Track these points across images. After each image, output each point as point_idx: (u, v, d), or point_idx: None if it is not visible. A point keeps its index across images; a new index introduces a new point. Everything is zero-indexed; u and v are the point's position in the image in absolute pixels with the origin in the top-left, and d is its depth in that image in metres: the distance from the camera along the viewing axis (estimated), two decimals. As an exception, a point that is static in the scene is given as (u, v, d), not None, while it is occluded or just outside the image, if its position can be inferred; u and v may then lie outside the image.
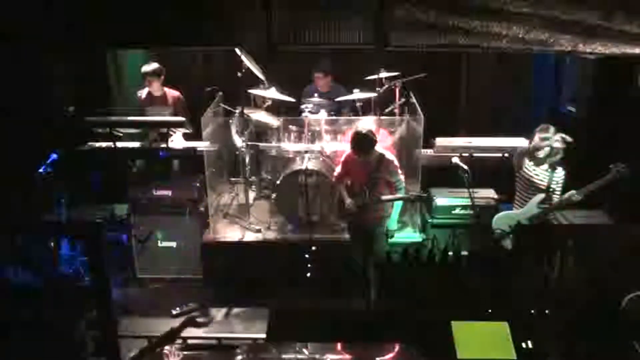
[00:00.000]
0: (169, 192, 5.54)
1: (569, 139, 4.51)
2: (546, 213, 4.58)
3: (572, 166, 5.23)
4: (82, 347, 2.95)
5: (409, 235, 5.65)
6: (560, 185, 4.56)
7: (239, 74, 5.54)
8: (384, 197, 4.64)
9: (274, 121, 5.93)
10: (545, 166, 4.56)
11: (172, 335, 3.79)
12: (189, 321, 4.54)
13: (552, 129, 4.54)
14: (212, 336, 4.06)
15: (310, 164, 5.42)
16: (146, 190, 5.53)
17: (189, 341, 3.91)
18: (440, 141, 5.59)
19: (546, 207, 4.55)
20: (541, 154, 4.51)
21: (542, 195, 4.55)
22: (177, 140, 5.58)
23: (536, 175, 4.59)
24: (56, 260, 4.95)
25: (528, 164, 4.63)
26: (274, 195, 5.61)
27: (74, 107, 5.80)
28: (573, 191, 4.47)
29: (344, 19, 3.38)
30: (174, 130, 5.52)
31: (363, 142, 4.53)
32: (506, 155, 5.31)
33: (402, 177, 4.78)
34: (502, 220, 4.77)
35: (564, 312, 3.15)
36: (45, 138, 5.35)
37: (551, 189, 4.54)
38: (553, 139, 4.49)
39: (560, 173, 4.56)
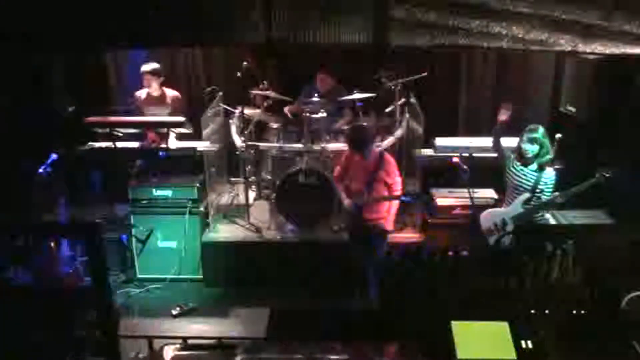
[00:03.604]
0: (169, 192, 5.55)
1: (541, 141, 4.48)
2: (531, 213, 4.58)
3: (571, 166, 5.24)
4: (82, 347, 2.95)
5: (409, 235, 5.65)
6: (549, 186, 4.54)
7: (239, 74, 5.55)
8: (381, 196, 4.64)
9: (274, 121, 5.94)
10: (534, 166, 4.55)
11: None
12: None
13: (541, 129, 4.53)
14: (212, 336, 4.05)
15: (310, 164, 5.42)
16: (146, 190, 5.54)
17: (189, 341, 3.91)
18: (440, 141, 5.59)
19: (530, 207, 4.55)
20: (528, 154, 4.51)
21: (527, 195, 4.55)
22: (170, 141, 5.58)
23: (523, 175, 4.58)
24: (56, 260, 4.95)
25: (516, 164, 4.63)
26: (273, 195, 5.61)
27: (74, 107, 5.80)
28: (557, 193, 4.48)
29: (344, 19, 3.38)
30: (173, 130, 5.53)
31: (359, 137, 4.54)
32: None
33: (399, 178, 4.79)
34: (488, 217, 4.77)
35: (564, 312, 3.15)
36: (45, 138, 5.35)
37: (538, 190, 4.53)
38: (532, 140, 4.48)
39: (549, 174, 4.54)
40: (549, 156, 4.56)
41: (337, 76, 6.23)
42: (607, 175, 4.30)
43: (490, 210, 4.79)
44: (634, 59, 3.41)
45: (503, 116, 4.76)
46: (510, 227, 4.61)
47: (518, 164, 4.61)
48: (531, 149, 4.47)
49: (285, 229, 5.68)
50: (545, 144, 4.52)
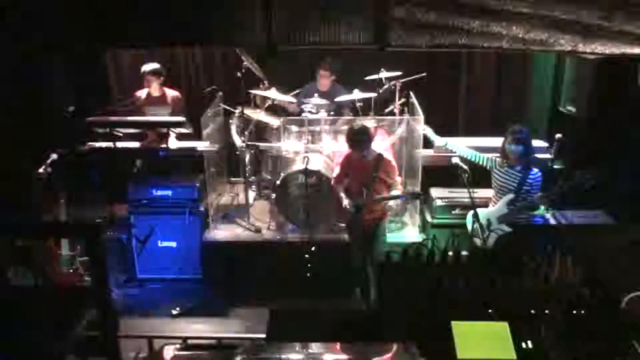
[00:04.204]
0: (169, 192, 5.55)
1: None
2: (515, 213, 4.57)
3: (571, 166, 5.24)
4: (82, 347, 2.95)
5: (409, 235, 5.65)
6: (535, 186, 4.53)
7: (239, 74, 5.55)
8: (379, 196, 4.63)
9: (274, 121, 5.94)
10: (519, 167, 4.55)
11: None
12: None
13: (525, 129, 4.53)
14: (212, 336, 4.06)
15: (310, 164, 5.42)
16: (146, 190, 5.54)
17: (189, 341, 3.91)
18: (441, 141, 5.59)
19: (514, 207, 4.55)
20: (513, 155, 4.50)
21: (511, 196, 4.55)
22: (170, 141, 5.59)
23: (508, 176, 4.58)
24: (56, 260, 4.96)
25: (500, 165, 4.63)
26: (274, 195, 5.61)
27: (74, 107, 5.81)
28: (539, 194, 4.49)
29: (344, 19, 3.38)
30: (173, 130, 5.53)
31: (358, 137, 4.54)
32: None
33: (399, 178, 4.78)
34: (475, 217, 4.76)
35: (564, 312, 3.15)
36: (45, 138, 5.35)
37: (523, 190, 4.52)
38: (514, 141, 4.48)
39: (534, 174, 4.53)
40: (533, 155, 4.58)
41: (336, 74, 6.24)
42: (588, 176, 4.31)
43: (478, 210, 4.79)
44: (634, 59, 3.42)
45: None
46: (495, 227, 4.62)
47: (503, 164, 4.62)
48: (516, 150, 4.47)
49: (285, 229, 5.68)
50: (530, 144, 4.53)
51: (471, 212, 4.74)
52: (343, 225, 5.35)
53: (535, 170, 4.54)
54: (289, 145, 5.76)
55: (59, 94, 6.08)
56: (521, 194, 4.52)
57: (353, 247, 5.00)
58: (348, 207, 4.69)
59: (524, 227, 4.53)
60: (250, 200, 5.94)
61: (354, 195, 4.70)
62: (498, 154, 4.71)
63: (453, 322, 2.99)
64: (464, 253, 3.60)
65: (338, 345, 3.17)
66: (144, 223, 5.48)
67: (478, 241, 4.67)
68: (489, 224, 4.65)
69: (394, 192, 4.67)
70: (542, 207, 5.11)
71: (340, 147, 5.58)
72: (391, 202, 4.81)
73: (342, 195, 4.77)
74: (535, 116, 6.55)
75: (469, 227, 4.78)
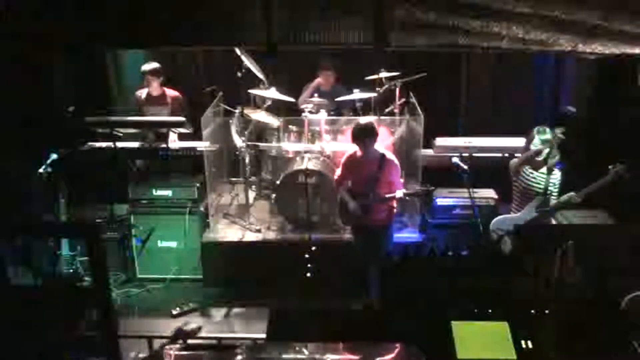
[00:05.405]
0: (169, 192, 5.55)
1: (560, 135, 4.48)
2: (545, 216, 4.55)
3: (572, 166, 5.24)
4: (82, 347, 2.95)
5: (409, 235, 5.65)
6: (557, 187, 4.53)
7: (239, 74, 5.55)
8: (390, 196, 4.59)
9: (274, 121, 5.94)
10: (544, 169, 4.53)
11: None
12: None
13: (549, 130, 4.51)
14: (212, 336, 4.06)
15: (310, 164, 5.42)
16: (146, 190, 5.54)
17: (189, 341, 3.91)
18: (440, 141, 5.59)
19: (545, 210, 4.52)
20: (542, 156, 4.48)
21: (540, 199, 4.53)
22: (170, 141, 5.59)
23: (534, 179, 4.55)
24: (56, 261, 4.96)
25: (526, 168, 4.60)
26: (274, 195, 5.61)
27: (74, 107, 5.81)
28: (572, 193, 4.45)
29: (344, 19, 3.39)
30: (173, 130, 5.53)
31: (363, 133, 4.50)
32: (506, 155, 5.31)
33: (401, 179, 4.77)
34: (501, 224, 4.73)
35: (564, 312, 3.15)
36: (45, 138, 5.35)
37: (549, 192, 4.51)
38: (553, 140, 4.46)
39: (557, 175, 4.52)
40: (558, 156, 4.55)
41: (336, 76, 6.23)
42: (621, 171, 4.26)
43: (502, 217, 4.75)
44: (634, 59, 3.41)
45: None
46: None
47: (528, 167, 4.57)
48: (544, 152, 4.44)
49: (285, 229, 5.68)
50: (554, 145, 4.50)
51: (497, 219, 4.71)
52: (344, 225, 5.34)
53: (556, 170, 4.52)
54: (289, 145, 5.76)
55: (59, 94, 6.07)
56: (546, 197, 4.50)
57: (357, 248, 4.98)
58: (354, 209, 4.65)
59: (556, 228, 4.48)
60: (250, 200, 5.94)
61: (358, 197, 4.66)
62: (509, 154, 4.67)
63: (453, 322, 2.99)
64: (464, 253, 3.59)
65: (338, 345, 3.16)
66: (144, 223, 5.48)
67: (506, 248, 4.61)
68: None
69: (399, 193, 4.61)
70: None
71: (340, 147, 5.58)
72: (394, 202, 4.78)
73: (347, 196, 4.72)
74: (536, 116, 6.55)
75: (496, 234, 4.71)
